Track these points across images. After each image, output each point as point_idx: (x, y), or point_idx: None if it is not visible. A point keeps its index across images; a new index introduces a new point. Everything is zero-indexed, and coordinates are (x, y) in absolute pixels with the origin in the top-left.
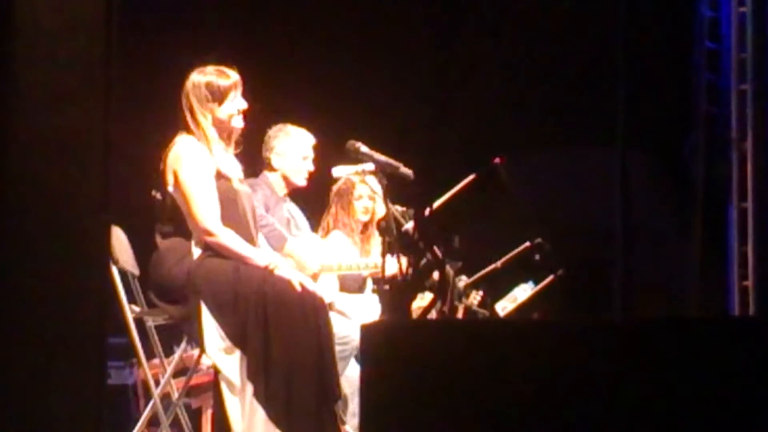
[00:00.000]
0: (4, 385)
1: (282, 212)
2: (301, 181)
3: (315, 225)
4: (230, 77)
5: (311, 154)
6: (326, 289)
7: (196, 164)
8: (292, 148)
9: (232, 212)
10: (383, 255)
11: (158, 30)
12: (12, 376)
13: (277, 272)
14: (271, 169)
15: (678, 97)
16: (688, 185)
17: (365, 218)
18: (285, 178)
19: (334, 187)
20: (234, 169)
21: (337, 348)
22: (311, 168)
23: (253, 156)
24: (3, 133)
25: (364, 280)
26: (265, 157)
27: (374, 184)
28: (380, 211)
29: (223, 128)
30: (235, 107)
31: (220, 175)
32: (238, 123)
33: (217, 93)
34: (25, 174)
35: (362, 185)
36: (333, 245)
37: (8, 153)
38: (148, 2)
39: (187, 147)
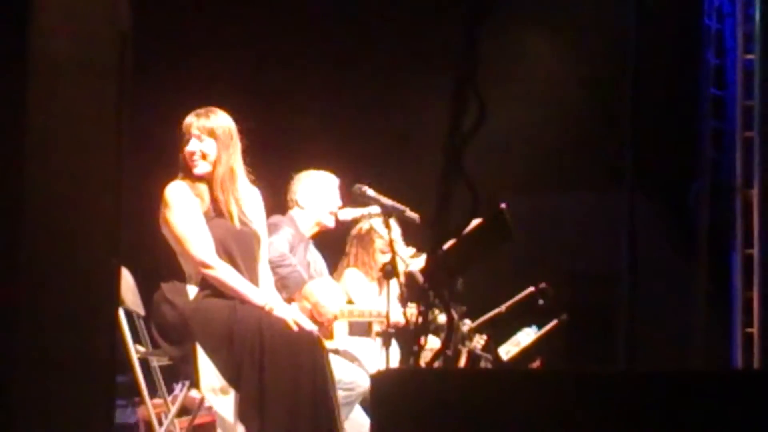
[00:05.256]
0: (17, 422)
1: (303, 254)
2: (330, 222)
3: (330, 268)
4: (187, 119)
5: (338, 196)
6: (337, 334)
7: (181, 205)
8: (322, 189)
9: (222, 253)
10: (388, 302)
11: (171, 73)
12: (23, 414)
13: (274, 312)
14: (300, 208)
15: (684, 143)
16: (693, 231)
17: (385, 258)
18: (315, 219)
19: (353, 231)
20: (248, 206)
21: (343, 393)
22: (336, 210)
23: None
24: (18, 177)
25: (369, 324)
26: (293, 197)
27: (394, 226)
28: (399, 251)
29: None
30: (186, 149)
31: (212, 215)
32: (197, 168)
33: (183, 134)
34: (39, 219)
35: (382, 227)
36: (348, 283)
37: (24, 198)
38: (162, 46)
39: (173, 191)
